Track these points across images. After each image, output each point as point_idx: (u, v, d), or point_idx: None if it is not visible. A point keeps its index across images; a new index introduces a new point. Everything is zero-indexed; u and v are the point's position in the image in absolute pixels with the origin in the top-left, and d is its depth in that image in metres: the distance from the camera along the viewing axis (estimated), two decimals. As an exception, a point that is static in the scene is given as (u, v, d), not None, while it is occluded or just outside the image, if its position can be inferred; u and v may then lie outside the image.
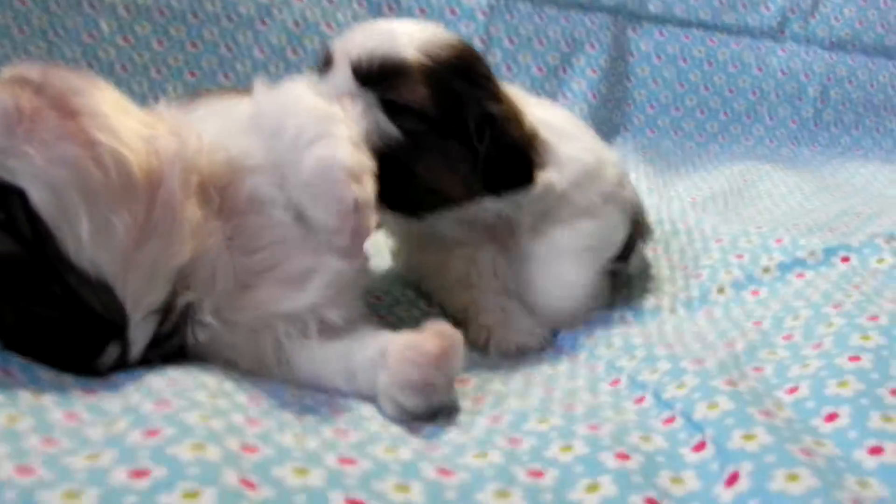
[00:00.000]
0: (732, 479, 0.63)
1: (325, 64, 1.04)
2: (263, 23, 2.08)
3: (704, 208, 1.56)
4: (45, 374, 0.73)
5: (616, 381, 0.89)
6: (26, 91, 0.73)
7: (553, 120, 1.12)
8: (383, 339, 0.84)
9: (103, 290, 0.74)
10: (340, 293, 0.87)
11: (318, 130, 0.84)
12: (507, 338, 1.06)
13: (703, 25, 2.30)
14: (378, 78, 0.99)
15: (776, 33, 2.32)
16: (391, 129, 0.98)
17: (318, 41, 2.10)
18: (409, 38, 1.00)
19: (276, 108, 0.87)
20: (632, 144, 2.17)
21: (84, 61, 1.98)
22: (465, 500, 0.62)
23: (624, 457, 0.68)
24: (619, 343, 0.98)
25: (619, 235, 1.14)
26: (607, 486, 0.64)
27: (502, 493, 0.63)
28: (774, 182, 1.80)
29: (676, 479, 0.66)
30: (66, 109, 0.74)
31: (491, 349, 1.05)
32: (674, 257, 1.32)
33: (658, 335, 1.00)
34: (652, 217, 1.50)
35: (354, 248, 0.84)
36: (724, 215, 1.50)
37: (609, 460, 0.67)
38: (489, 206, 1.06)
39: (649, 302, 1.17)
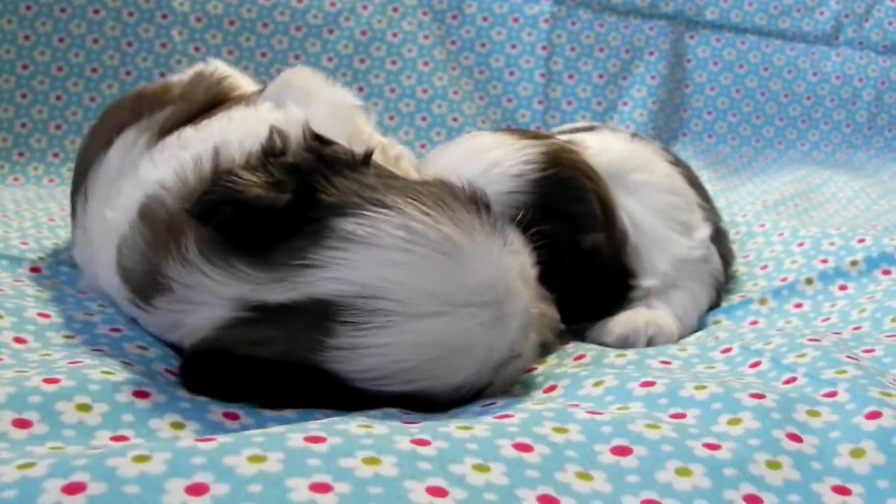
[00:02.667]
0: (873, 415, 0.66)
1: None
2: (331, 32, 2.13)
3: (777, 212, 1.59)
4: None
5: (728, 350, 0.90)
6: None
7: (646, 221, 1.10)
8: None
9: None
10: None
11: None
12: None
13: (758, 31, 2.32)
14: None
15: (830, 38, 2.34)
16: None
17: (384, 50, 2.15)
18: (495, 184, 0.98)
19: None
20: (691, 150, 2.19)
21: (156, 71, 2.03)
22: (620, 431, 0.65)
23: (759, 396, 0.70)
24: (724, 335, 1.00)
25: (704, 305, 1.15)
26: (749, 422, 0.67)
27: (653, 426, 0.66)
28: (839, 186, 1.82)
29: (813, 412, 0.69)
30: None
31: None
32: (750, 255, 1.35)
33: (758, 327, 1.04)
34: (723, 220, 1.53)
35: None
36: (800, 218, 1.52)
37: (745, 399, 0.70)
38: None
39: (735, 298, 1.20)
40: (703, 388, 0.73)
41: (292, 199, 0.71)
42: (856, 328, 1.00)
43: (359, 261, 0.68)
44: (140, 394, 0.69)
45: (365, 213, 0.70)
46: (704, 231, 1.18)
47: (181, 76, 1.18)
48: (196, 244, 0.74)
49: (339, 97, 1.03)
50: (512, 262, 0.75)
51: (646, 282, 1.08)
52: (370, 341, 0.68)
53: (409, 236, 0.68)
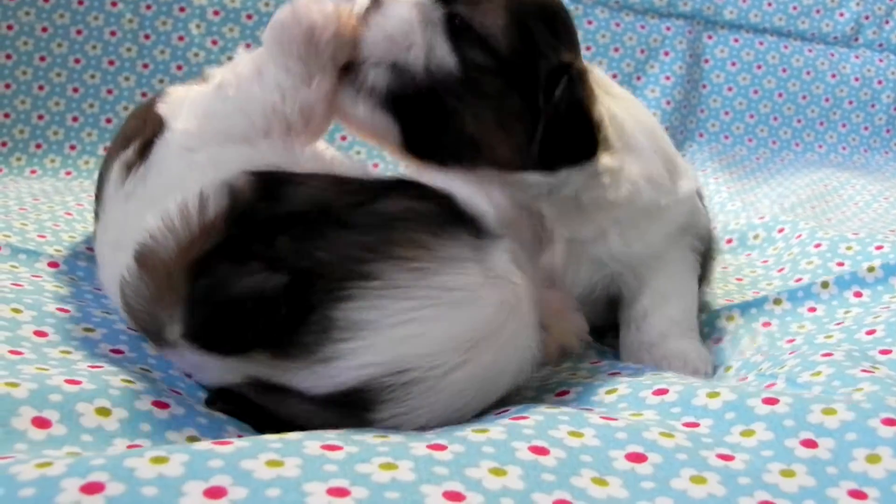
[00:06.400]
0: (890, 421, 0.65)
1: None
2: (348, 27, 2.12)
3: (794, 213, 1.58)
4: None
5: (743, 379, 0.90)
6: None
7: (627, 124, 0.97)
8: None
9: None
10: None
11: None
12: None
13: (777, 32, 2.31)
14: None
15: (850, 40, 2.33)
16: (448, 59, 0.84)
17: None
18: None
19: None
20: (707, 151, 2.19)
21: (173, 64, 2.04)
22: (635, 438, 0.65)
23: (772, 401, 0.70)
24: (737, 364, 0.99)
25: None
26: (762, 433, 0.66)
27: (667, 434, 0.66)
28: (857, 189, 1.81)
29: (829, 410, 0.68)
30: None
31: None
32: (769, 261, 1.35)
33: (771, 335, 1.04)
34: (739, 222, 1.53)
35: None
36: (817, 220, 1.51)
37: (758, 406, 0.70)
38: (530, 182, 0.90)
39: (748, 295, 1.20)
40: (716, 395, 0.73)
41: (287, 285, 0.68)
42: (869, 332, 0.99)
43: (373, 345, 0.67)
44: (159, 404, 0.69)
45: (359, 292, 0.68)
46: (690, 183, 1.04)
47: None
48: None
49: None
50: (506, 279, 0.73)
51: (613, 161, 0.92)
52: (413, 406, 0.69)
53: (409, 305, 0.68)
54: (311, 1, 0.84)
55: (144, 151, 0.90)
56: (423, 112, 0.84)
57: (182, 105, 0.91)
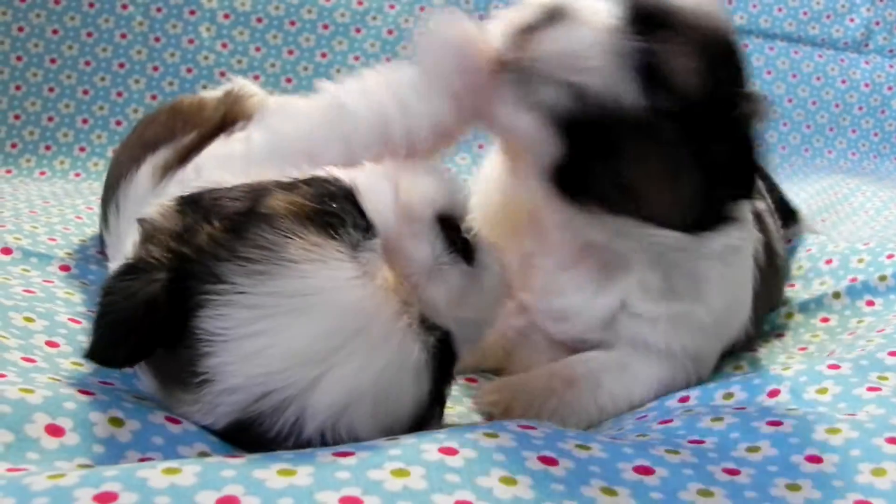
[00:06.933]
0: (894, 440, 0.66)
1: None
2: (358, 30, 2.13)
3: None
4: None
5: (739, 368, 0.91)
6: None
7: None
8: None
9: None
10: None
11: None
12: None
13: (787, 37, 2.31)
14: (652, 21, 0.76)
15: (860, 45, 2.32)
16: (632, 97, 0.75)
17: (412, 48, 2.14)
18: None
19: None
20: (716, 156, 2.18)
21: (183, 67, 2.04)
22: (641, 453, 0.66)
23: (776, 423, 0.70)
24: (748, 356, 1.00)
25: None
26: (767, 450, 0.67)
27: (672, 451, 0.67)
28: (867, 196, 1.80)
29: (833, 430, 0.68)
30: None
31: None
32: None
33: (783, 344, 1.04)
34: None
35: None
36: (827, 233, 1.51)
37: (763, 426, 0.70)
38: (658, 240, 0.84)
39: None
40: (720, 419, 0.73)
41: (166, 288, 0.63)
42: (880, 330, 0.99)
43: (230, 363, 0.62)
44: (172, 419, 0.68)
45: (212, 298, 0.62)
46: None
47: (217, 91, 1.15)
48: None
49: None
50: (368, 281, 0.64)
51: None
52: (310, 428, 0.63)
53: (250, 315, 0.62)
54: (453, 20, 0.79)
55: (188, 156, 0.88)
56: (587, 143, 0.76)
57: (278, 113, 0.87)
